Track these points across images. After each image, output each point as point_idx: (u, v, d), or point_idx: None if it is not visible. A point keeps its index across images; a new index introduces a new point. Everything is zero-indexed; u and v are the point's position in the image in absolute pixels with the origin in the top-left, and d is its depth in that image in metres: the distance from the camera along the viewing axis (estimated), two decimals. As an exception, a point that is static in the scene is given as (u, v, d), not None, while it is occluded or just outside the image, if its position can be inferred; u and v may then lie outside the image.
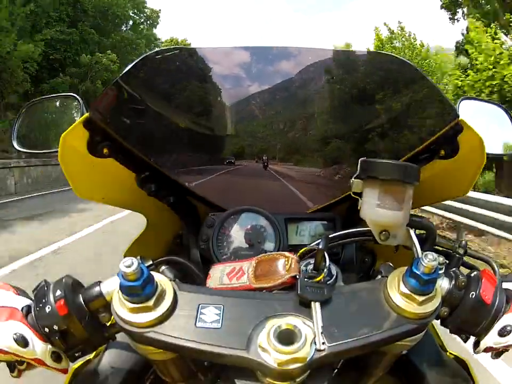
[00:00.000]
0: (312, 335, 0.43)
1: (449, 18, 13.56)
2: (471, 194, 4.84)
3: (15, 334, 0.49)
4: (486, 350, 0.56)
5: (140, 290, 0.44)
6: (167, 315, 0.45)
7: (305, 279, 0.49)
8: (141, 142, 0.79)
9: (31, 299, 0.54)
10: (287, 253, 0.56)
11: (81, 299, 0.52)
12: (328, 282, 0.56)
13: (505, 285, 0.57)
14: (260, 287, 0.53)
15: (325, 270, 0.52)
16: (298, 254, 0.56)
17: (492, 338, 0.54)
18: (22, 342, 0.49)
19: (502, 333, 0.53)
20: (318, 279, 0.50)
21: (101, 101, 0.68)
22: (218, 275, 0.59)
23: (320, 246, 0.53)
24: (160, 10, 24.69)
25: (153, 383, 0.61)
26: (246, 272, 0.56)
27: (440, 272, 0.58)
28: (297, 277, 0.51)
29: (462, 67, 9.44)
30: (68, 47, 17.32)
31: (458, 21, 13.66)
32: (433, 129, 0.72)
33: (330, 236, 0.58)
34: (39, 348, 0.50)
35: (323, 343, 0.43)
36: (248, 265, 0.57)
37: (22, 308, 0.52)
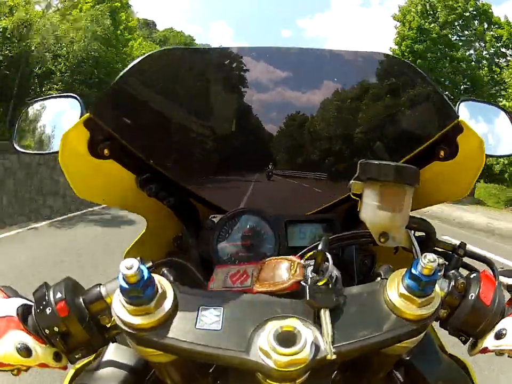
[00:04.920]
0: (312, 337, 0.43)
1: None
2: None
3: (18, 344, 0.48)
4: (482, 350, 0.56)
5: (140, 292, 0.43)
6: (168, 317, 0.45)
7: (314, 285, 0.48)
8: (142, 142, 0.79)
9: (21, 297, 0.54)
10: (293, 257, 0.54)
11: (81, 301, 0.52)
12: (329, 285, 0.56)
13: (505, 280, 0.57)
14: (263, 291, 0.51)
15: (328, 272, 0.51)
16: (304, 258, 0.55)
17: (489, 340, 0.54)
18: (25, 351, 0.48)
19: (498, 335, 0.53)
20: (322, 282, 0.49)
21: (102, 101, 0.68)
22: (222, 277, 0.58)
23: (320, 247, 0.53)
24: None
25: None
26: (251, 276, 0.55)
27: (440, 273, 0.58)
28: (302, 282, 0.49)
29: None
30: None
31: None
32: (433, 130, 0.72)
33: (330, 238, 0.58)
34: (42, 353, 0.50)
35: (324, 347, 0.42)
36: (253, 269, 0.56)
37: (17, 311, 0.51)
